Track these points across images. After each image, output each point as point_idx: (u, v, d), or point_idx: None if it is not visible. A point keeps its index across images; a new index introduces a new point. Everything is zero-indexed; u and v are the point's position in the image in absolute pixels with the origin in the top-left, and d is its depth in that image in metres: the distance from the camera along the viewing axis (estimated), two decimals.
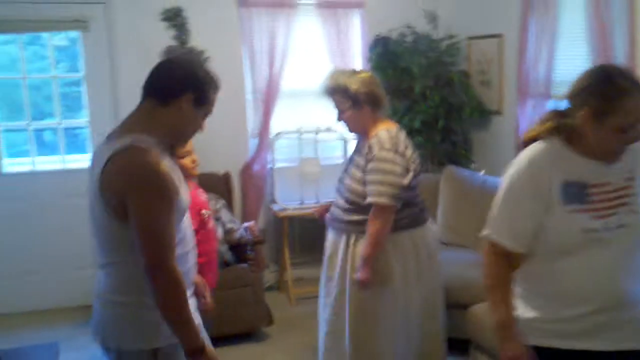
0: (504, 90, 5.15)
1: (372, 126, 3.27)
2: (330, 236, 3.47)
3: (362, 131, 3.33)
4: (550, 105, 4.79)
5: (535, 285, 2.21)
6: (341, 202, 3.35)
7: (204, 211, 3.19)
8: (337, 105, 3.30)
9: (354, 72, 3.35)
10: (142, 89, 2.18)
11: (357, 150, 3.38)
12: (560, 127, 2.15)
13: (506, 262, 2.22)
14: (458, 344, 3.82)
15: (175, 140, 2.26)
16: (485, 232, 2.24)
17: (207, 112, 2.23)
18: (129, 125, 2.14)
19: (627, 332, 2.13)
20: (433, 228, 3.49)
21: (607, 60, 3.95)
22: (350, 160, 3.42)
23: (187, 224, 2.27)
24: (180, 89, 2.13)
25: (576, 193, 2.09)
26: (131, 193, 2.02)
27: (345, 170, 3.41)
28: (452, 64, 5.40)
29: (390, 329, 3.31)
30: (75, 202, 4.94)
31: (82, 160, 5.14)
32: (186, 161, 3.13)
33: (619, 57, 3.96)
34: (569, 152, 2.13)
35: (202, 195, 3.34)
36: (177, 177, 2.14)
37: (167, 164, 2.08)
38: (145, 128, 2.11)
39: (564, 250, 2.11)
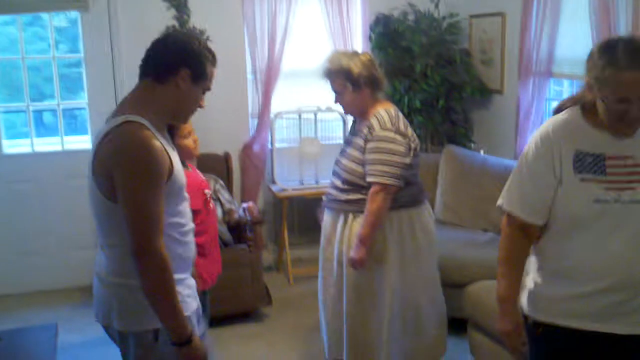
0: (505, 69, 5.10)
1: (370, 108, 3.26)
2: (327, 218, 3.45)
3: (359, 113, 3.31)
4: (551, 83, 4.76)
5: (548, 261, 2.18)
6: (338, 182, 3.34)
7: (206, 190, 3.19)
8: (337, 88, 3.26)
9: (355, 54, 3.31)
10: (139, 68, 2.15)
11: (354, 132, 3.36)
12: (581, 99, 2.14)
13: (520, 235, 2.20)
14: (455, 323, 3.81)
15: (175, 119, 2.24)
16: (499, 202, 2.23)
17: (205, 88, 2.18)
18: (126, 105, 2.11)
19: None
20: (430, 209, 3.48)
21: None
22: (348, 142, 3.40)
23: (186, 204, 2.23)
24: (175, 65, 2.09)
25: (590, 163, 2.06)
26: (118, 168, 1.99)
27: (342, 153, 3.39)
28: (453, 42, 5.35)
29: (387, 310, 3.30)
30: (74, 184, 4.95)
31: (81, 142, 5.15)
32: (188, 142, 3.11)
33: (621, 33, 3.90)
34: (585, 123, 2.10)
35: (201, 176, 3.34)
36: (172, 154, 2.11)
37: (160, 140, 2.03)
38: (142, 108, 2.07)
39: (576, 223, 2.08)
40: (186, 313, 2.11)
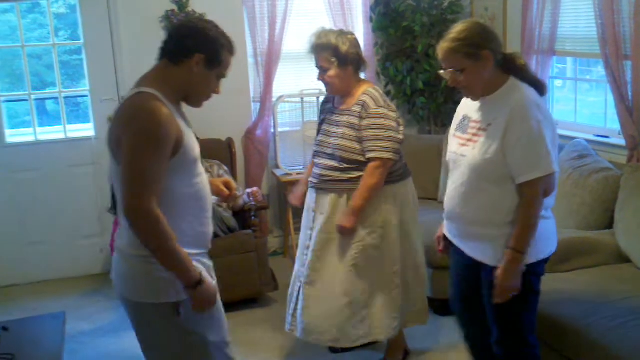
0: (507, 48, 5.05)
1: (354, 87, 3.36)
2: (323, 198, 3.42)
3: (343, 91, 3.38)
4: (554, 61, 4.72)
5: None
6: (334, 163, 3.36)
7: None
8: (322, 64, 3.33)
9: (342, 32, 3.40)
10: (159, 50, 2.24)
11: (335, 110, 3.42)
12: None
13: None
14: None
15: (187, 102, 2.29)
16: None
17: (220, 75, 2.26)
18: (141, 82, 2.19)
19: None
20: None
21: (612, 15, 3.87)
22: (332, 122, 3.42)
23: (203, 179, 2.28)
24: (190, 49, 2.17)
25: None
26: (124, 133, 2.06)
27: (326, 133, 3.42)
28: (455, 21, 5.27)
29: (389, 281, 3.41)
30: (78, 172, 4.97)
31: (84, 130, 5.13)
32: None
33: (625, 11, 3.87)
34: None
35: None
36: (184, 126, 2.17)
37: (170, 109, 2.10)
38: (157, 84, 2.16)
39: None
40: None
